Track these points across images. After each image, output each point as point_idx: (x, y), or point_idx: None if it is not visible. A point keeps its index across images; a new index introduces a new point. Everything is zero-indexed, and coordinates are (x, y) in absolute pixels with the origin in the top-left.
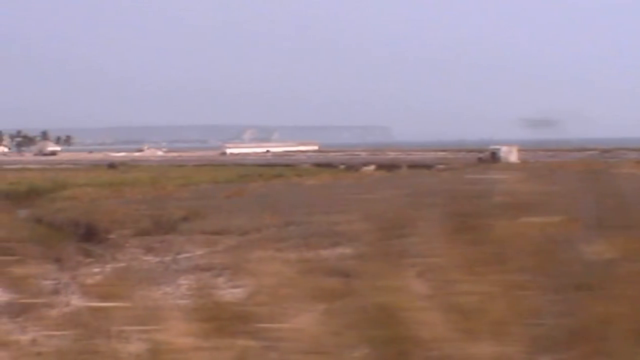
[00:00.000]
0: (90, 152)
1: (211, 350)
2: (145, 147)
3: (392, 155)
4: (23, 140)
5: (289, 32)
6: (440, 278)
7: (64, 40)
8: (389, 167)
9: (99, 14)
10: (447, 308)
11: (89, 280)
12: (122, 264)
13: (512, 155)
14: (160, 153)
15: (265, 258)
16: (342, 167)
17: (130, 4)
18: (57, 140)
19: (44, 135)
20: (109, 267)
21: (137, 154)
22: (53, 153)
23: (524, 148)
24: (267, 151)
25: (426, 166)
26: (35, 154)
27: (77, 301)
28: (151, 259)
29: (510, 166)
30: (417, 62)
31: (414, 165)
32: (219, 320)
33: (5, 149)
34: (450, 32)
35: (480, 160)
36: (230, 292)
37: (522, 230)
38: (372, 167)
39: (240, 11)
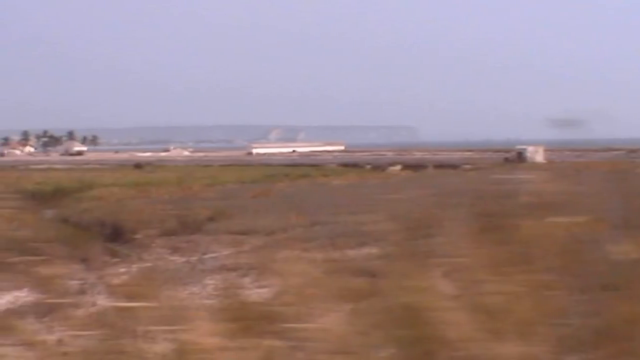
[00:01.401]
0: (117, 152)
1: (237, 351)
2: (172, 147)
3: (418, 155)
4: (49, 140)
5: (315, 32)
6: (466, 278)
7: (91, 40)
8: (415, 167)
9: (125, 13)
10: (473, 308)
11: (116, 280)
12: (149, 264)
13: (538, 156)
14: (186, 153)
15: (292, 258)
16: (368, 167)
17: (156, 4)
18: (84, 140)
19: (70, 135)
20: (135, 267)
21: (163, 154)
22: (79, 153)
23: (551, 148)
24: (293, 151)
25: (452, 166)
26: (62, 154)
27: (103, 301)
28: (177, 259)
29: (536, 166)
30: (443, 62)
31: (440, 165)
32: (245, 321)
33: (32, 149)
34: (477, 32)
35: (506, 160)
36: (256, 292)
37: (548, 230)
38: (398, 167)
39: (266, 11)
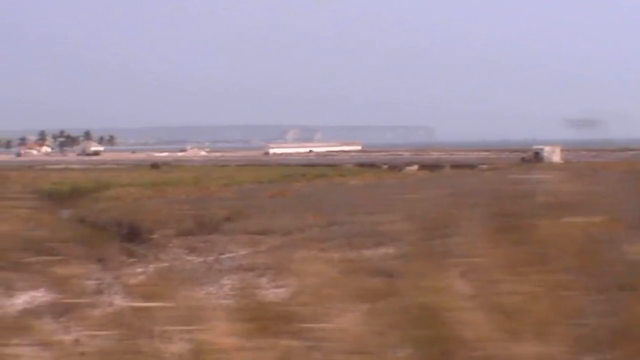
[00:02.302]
0: (134, 152)
1: (254, 351)
2: (188, 147)
3: (435, 155)
4: (66, 140)
5: (332, 32)
6: (483, 278)
7: (108, 40)
8: (432, 167)
9: (142, 13)
10: (490, 308)
11: (132, 280)
12: (165, 264)
13: (555, 155)
14: (203, 153)
15: (309, 258)
16: (385, 167)
17: (173, 4)
18: (100, 140)
19: (87, 135)
20: (152, 267)
21: (180, 154)
22: (96, 153)
23: (567, 148)
24: (310, 151)
25: (469, 166)
26: (78, 154)
27: (120, 301)
28: (194, 259)
29: (553, 166)
30: (460, 62)
31: (457, 165)
32: (262, 321)
33: (49, 149)
34: (494, 32)
35: (523, 160)
36: (273, 292)
37: (565, 231)
38: (415, 167)
39: (283, 11)
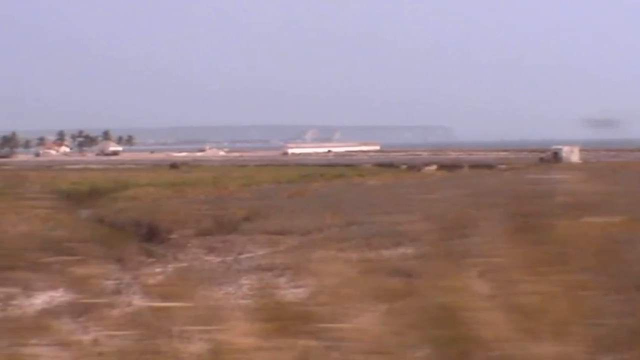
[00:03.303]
0: (152, 152)
1: (273, 351)
2: (207, 147)
3: (453, 155)
4: (85, 140)
5: (351, 32)
6: (502, 278)
7: (126, 40)
8: (451, 167)
9: (161, 13)
10: (508, 308)
11: (151, 280)
12: (184, 264)
13: (574, 155)
14: (222, 153)
15: (327, 258)
16: (403, 167)
17: (191, 3)
18: (119, 140)
19: (106, 135)
20: (170, 267)
21: (199, 154)
22: (115, 153)
23: (586, 148)
24: (329, 151)
25: (488, 166)
26: (97, 154)
27: (138, 301)
28: (213, 259)
29: (572, 166)
30: (479, 62)
31: (475, 165)
32: (281, 321)
33: (67, 149)
34: (513, 33)
35: (542, 160)
36: (292, 292)
37: (583, 230)
38: (433, 167)
39: (302, 11)
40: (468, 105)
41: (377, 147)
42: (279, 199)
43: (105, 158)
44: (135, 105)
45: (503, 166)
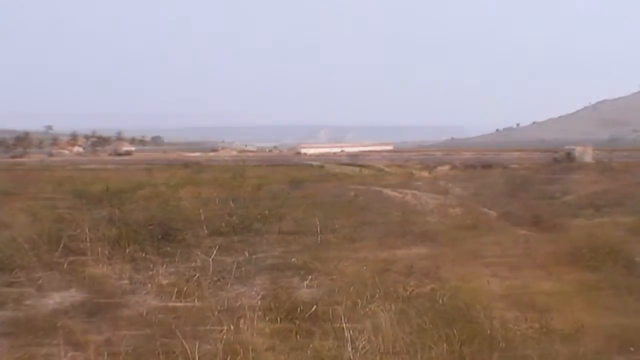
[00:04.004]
0: (165, 151)
1: (286, 350)
2: (220, 147)
3: (467, 155)
4: (98, 141)
5: (366, 29)
6: (516, 277)
7: (141, 41)
8: (464, 167)
9: (176, 9)
10: (522, 307)
11: (164, 280)
12: (197, 264)
13: (587, 156)
14: (235, 153)
15: (341, 258)
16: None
17: (208, 4)
18: (132, 141)
19: (119, 136)
20: (184, 267)
21: (212, 153)
22: (128, 153)
23: (599, 148)
24: (342, 151)
25: (501, 166)
26: (110, 154)
27: (151, 301)
28: (226, 258)
29: (585, 166)
30: (491, 60)
31: (488, 165)
32: (294, 320)
33: (81, 149)
34: (529, 32)
35: (555, 160)
36: (305, 292)
37: (596, 230)
38: (447, 167)
39: (317, 11)
40: (481, 104)
41: (391, 147)
42: (292, 198)
43: (118, 158)
44: (150, 106)
45: (515, 166)
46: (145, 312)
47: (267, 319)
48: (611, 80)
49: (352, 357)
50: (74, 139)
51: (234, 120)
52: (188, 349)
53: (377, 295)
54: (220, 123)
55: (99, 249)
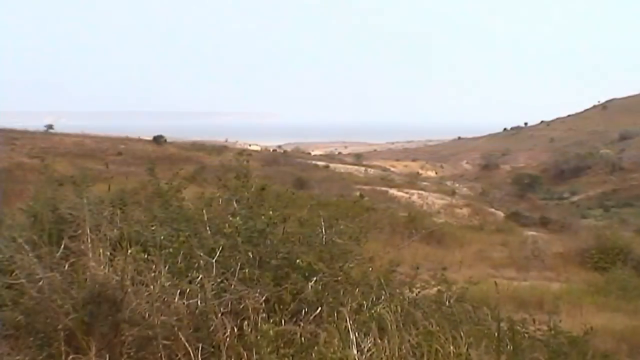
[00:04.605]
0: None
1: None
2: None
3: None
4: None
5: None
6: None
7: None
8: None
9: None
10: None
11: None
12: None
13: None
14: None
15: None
16: None
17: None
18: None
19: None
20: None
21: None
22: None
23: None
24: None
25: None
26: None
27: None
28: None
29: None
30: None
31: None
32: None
33: None
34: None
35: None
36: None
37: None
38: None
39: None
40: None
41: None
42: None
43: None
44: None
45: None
46: (147, 314)
47: (271, 321)
48: (621, 78)
49: None
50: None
51: (238, 119)
52: (191, 352)
53: (382, 297)
54: (224, 122)
55: (101, 250)
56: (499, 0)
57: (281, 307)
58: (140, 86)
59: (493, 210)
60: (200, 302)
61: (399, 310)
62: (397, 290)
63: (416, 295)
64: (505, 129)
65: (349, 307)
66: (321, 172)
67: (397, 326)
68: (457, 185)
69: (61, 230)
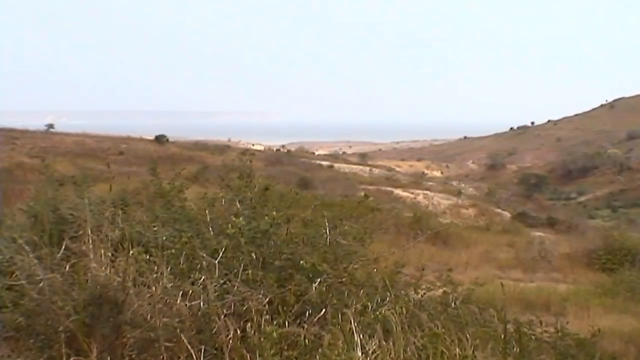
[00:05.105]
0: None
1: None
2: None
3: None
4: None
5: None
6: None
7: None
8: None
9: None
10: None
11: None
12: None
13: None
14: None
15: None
16: None
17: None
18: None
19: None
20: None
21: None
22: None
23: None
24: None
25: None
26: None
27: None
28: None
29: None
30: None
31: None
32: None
33: None
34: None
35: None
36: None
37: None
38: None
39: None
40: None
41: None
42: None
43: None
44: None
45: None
46: (149, 316)
47: (274, 322)
48: (628, 77)
49: None
50: None
51: (240, 118)
52: (193, 354)
53: (387, 299)
54: (227, 121)
55: (102, 251)
56: (506, 0)
57: (285, 308)
58: (142, 85)
59: (499, 210)
60: (203, 304)
61: (404, 312)
62: (402, 292)
63: (421, 296)
64: (511, 128)
65: (353, 309)
66: (325, 172)
67: (402, 328)
68: (462, 185)
69: (62, 231)
